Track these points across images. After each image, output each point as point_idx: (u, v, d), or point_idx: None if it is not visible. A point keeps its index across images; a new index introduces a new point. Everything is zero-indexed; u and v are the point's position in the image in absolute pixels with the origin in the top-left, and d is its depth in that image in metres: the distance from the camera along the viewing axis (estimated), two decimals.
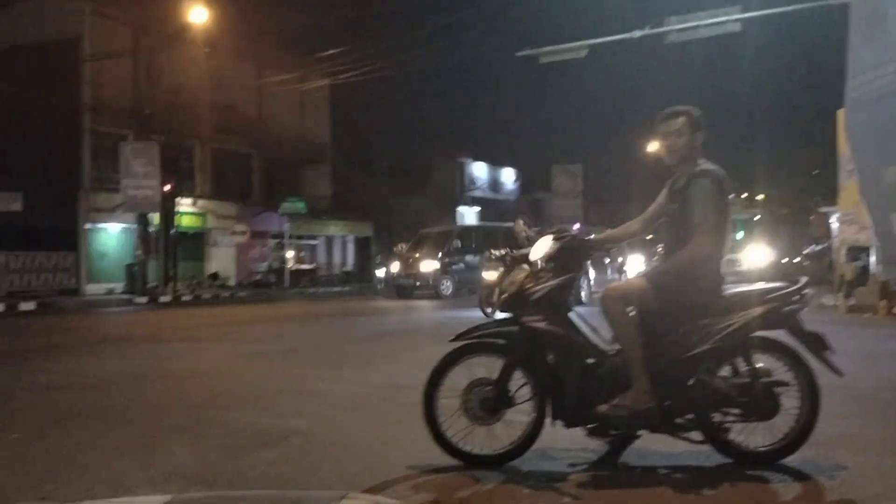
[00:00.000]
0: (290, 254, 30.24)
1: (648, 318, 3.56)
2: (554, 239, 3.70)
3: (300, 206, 28.86)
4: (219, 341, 9.97)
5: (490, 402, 3.64)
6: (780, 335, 3.63)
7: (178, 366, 7.65)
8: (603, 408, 3.49)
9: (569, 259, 3.70)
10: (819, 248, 26.75)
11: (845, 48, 5.21)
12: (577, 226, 26.40)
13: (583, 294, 16.49)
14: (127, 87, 25.55)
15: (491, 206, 44.49)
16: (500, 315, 3.79)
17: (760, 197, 43.07)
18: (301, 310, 17.10)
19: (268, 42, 29.19)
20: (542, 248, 3.70)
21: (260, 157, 31.67)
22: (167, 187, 23.71)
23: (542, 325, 3.60)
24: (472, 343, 3.72)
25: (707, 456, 3.70)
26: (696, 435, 3.59)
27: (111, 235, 26.17)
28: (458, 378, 3.69)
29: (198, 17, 21.78)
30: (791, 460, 3.63)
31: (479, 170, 46.30)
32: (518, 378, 3.69)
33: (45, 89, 22.97)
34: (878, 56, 4.30)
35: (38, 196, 22.99)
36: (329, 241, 35.18)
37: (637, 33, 17.49)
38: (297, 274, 29.97)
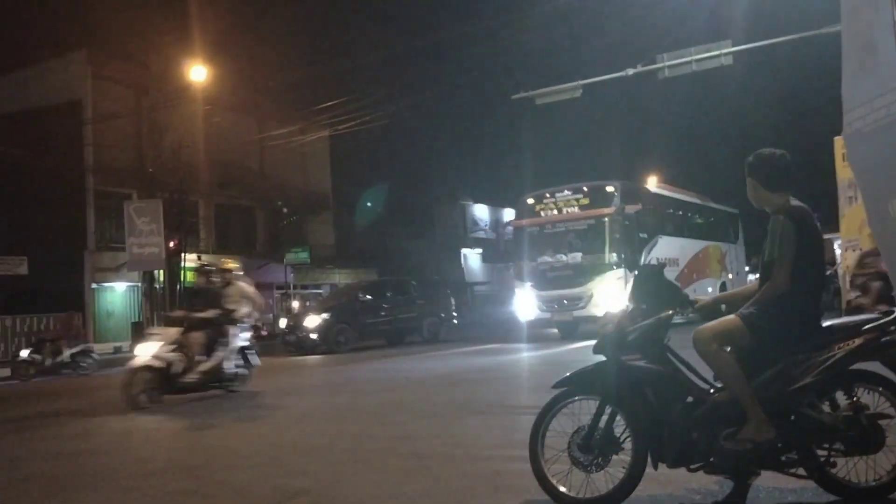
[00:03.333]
0: (295, 304, 30.25)
1: (745, 356, 3.55)
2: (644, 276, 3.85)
3: (304, 255, 28.97)
4: (227, 398, 9.88)
5: (595, 447, 3.65)
6: (875, 367, 3.59)
7: (179, 425, 7.61)
8: (725, 443, 3.46)
9: (665, 296, 3.75)
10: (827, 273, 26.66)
11: (839, 77, 5.25)
12: None
13: None
14: (129, 146, 25.91)
15: (493, 247, 44.53)
16: (597, 357, 3.81)
17: None
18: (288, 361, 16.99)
19: (267, 97, 29.65)
20: (635, 287, 3.81)
21: (263, 209, 31.91)
22: (172, 244, 23.85)
23: (639, 363, 3.62)
24: (572, 387, 3.78)
25: (815, 492, 3.62)
26: (802, 471, 3.54)
27: (117, 294, 26.24)
28: (563, 422, 3.75)
29: (197, 75, 22.16)
30: None
31: (480, 211, 46.52)
32: (620, 421, 3.70)
33: (49, 152, 23.31)
34: (872, 89, 4.31)
35: (43, 258, 23.15)
36: (334, 289, 35.22)
37: (630, 71, 17.71)
38: None
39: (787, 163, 3.71)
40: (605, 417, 3.66)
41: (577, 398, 3.77)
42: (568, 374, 3.81)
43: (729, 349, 3.59)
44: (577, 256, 17.30)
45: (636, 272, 4.04)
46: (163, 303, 24.72)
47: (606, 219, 17.02)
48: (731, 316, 3.67)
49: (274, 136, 28.31)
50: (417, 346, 18.65)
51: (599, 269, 16.84)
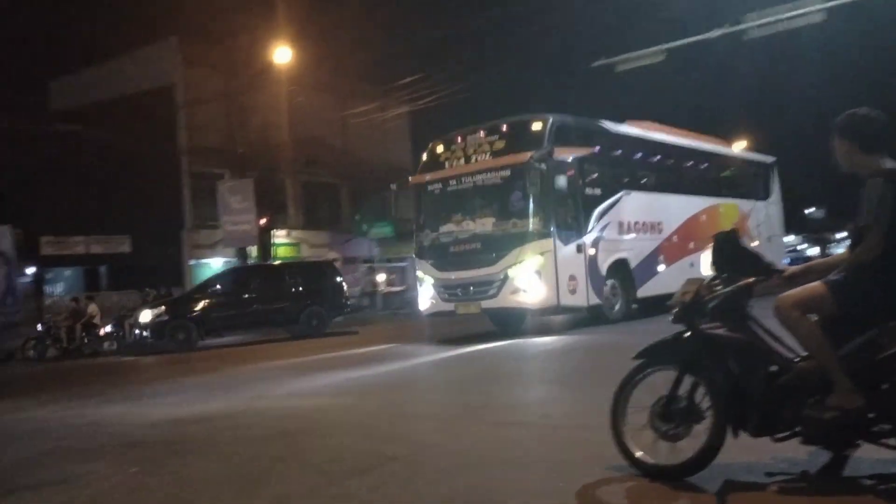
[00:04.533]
0: (381, 277, 30.88)
1: (830, 323, 3.45)
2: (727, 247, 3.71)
3: (387, 230, 29.47)
4: (327, 369, 10.30)
5: (675, 416, 3.63)
6: None
7: (272, 394, 8.00)
8: (811, 412, 3.39)
9: (744, 265, 3.67)
10: None
11: None
12: None
13: None
14: (220, 128, 26.87)
15: None
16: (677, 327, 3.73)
17: None
18: (395, 331, 17.34)
19: (348, 75, 30.10)
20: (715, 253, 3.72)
21: (347, 185, 32.58)
22: (263, 221, 24.74)
23: (720, 332, 3.59)
24: (651, 357, 3.77)
25: None
26: (894, 441, 3.39)
27: (213, 270, 27.46)
28: (643, 394, 3.74)
29: (281, 57, 22.74)
30: None
31: None
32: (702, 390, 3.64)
33: (146, 136, 24.46)
34: None
35: (144, 237, 24.51)
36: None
37: (715, 32, 17.12)
38: (388, 296, 30.59)
39: (883, 123, 3.54)
40: (685, 387, 3.63)
41: (656, 368, 3.75)
42: (647, 344, 3.78)
43: (815, 318, 3.48)
44: (488, 224, 12.52)
45: (717, 241, 3.74)
46: None
47: (526, 168, 11.92)
48: (816, 283, 3.54)
49: (355, 114, 28.78)
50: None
51: (517, 240, 11.95)
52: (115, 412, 7.60)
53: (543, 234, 11.91)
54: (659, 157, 15.63)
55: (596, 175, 13.54)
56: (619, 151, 14.41)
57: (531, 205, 11.94)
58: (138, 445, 5.63)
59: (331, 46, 29.76)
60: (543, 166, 11.96)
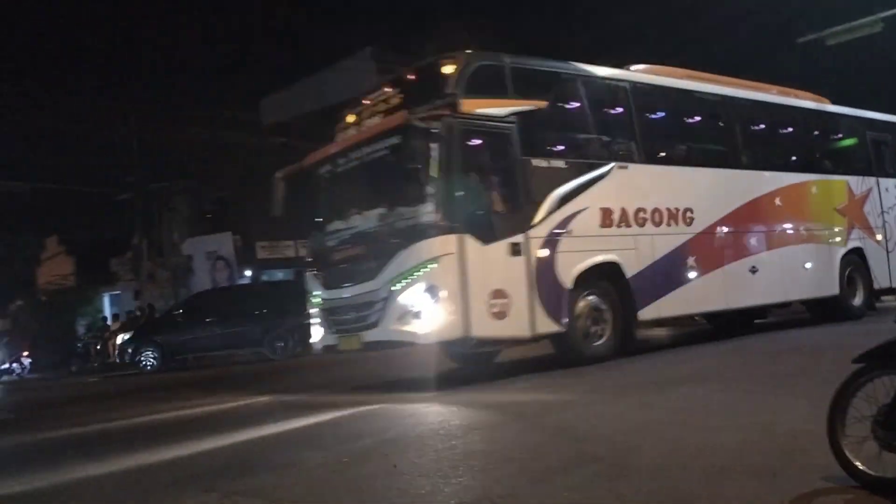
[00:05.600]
0: None
1: None
2: None
3: None
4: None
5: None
6: None
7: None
8: None
9: None
10: None
11: None
12: None
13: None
14: None
15: None
16: None
17: None
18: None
19: None
20: None
21: None
22: None
23: None
24: (873, 361, 3.43)
25: None
26: None
27: None
28: (863, 401, 3.38)
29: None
30: None
31: None
32: None
33: None
34: None
35: None
36: None
37: None
38: None
39: None
40: None
41: (880, 372, 3.36)
42: (870, 347, 3.38)
43: None
44: (372, 219, 8.62)
45: None
46: None
47: (408, 131, 7.74)
48: None
49: None
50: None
51: (404, 240, 7.92)
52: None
53: (442, 229, 7.69)
54: (688, 114, 11.03)
55: (554, 140, 9.31)
56: (610, 105, 9.95)
57: (422, 186, 7.76)
58: (351, 438, 5.59)
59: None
60: (438, 127, 7.70)
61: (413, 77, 8.89)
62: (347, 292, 8.51)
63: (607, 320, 9.04)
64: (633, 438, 4.76)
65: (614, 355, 8.97)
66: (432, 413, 6.66)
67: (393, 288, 7.87)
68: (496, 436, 5.37)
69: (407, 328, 7.84)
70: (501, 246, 8.18)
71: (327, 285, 8.94)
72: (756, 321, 12.91)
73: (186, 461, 5.42)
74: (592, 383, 7.45)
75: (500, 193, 8.52)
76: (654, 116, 10.45)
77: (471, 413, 6.52)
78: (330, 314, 8.84)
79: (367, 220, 8.70)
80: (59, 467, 5.59)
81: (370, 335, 8.18)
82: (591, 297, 8.92)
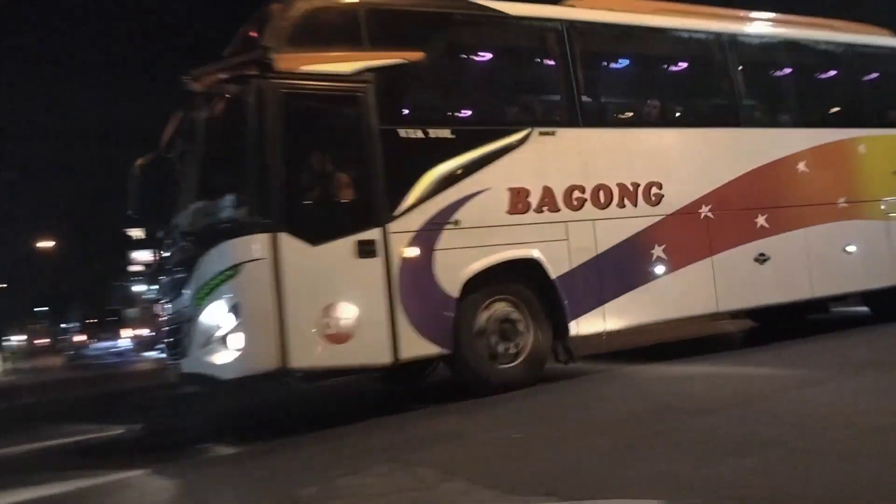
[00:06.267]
0: None
1: None
2: None
3: None
4: None
5: None
6: None
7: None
8: None
9: None
10: None
11: None
12: None
13: None
14: None
15: None
16: None
17: None
18: None
19: None
20: None
21: None
22: None
23: None
24: None
25: None
26: None
27: None
28: None
29: None
30: None
31: None
32: None
33: None
34: None
35: None
36: None
37: None
38: None
39: None
40: None
41: None
42: None
43: None
44: (190, 214, 6.54)
45: None
46: None
47: (204, 98, 6.18)
48: None
49: None
50: None
51: (207, 242, 6.08)
52: None
53: (247, 227, 5.83)
54: (662, 60, 8.52)
55: (435, 103, 7.17)
56: (530, 55, 7.73)
57: (227, 171, 6.30)
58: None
59: None
60: (242, 92, 5.89)
61: (252, 30, 6.62)
62: (168, 309, 6.74)
63: (524, 335, 6.79)
64: None
65: (533, 380, 6.73)
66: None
67: (197, 306, 6.00)
68: None
69: (209, 359, 5.92)
70: (342, 245, 6.06)
71: (160, 298, 7.33)
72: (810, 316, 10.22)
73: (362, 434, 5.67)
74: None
75: (344, 176, 6.38)
76: (606, 66, 8.15)
77: None
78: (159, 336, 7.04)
79: (186, 216, 6.63)
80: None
81: (184, 365, 6.26)
82: (498, 306, 6.72)
